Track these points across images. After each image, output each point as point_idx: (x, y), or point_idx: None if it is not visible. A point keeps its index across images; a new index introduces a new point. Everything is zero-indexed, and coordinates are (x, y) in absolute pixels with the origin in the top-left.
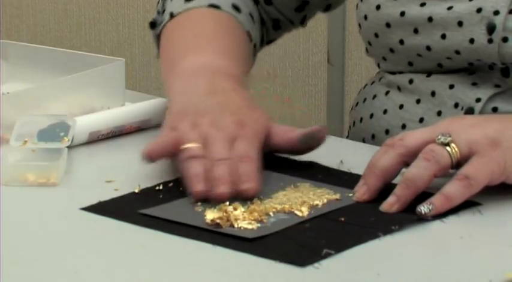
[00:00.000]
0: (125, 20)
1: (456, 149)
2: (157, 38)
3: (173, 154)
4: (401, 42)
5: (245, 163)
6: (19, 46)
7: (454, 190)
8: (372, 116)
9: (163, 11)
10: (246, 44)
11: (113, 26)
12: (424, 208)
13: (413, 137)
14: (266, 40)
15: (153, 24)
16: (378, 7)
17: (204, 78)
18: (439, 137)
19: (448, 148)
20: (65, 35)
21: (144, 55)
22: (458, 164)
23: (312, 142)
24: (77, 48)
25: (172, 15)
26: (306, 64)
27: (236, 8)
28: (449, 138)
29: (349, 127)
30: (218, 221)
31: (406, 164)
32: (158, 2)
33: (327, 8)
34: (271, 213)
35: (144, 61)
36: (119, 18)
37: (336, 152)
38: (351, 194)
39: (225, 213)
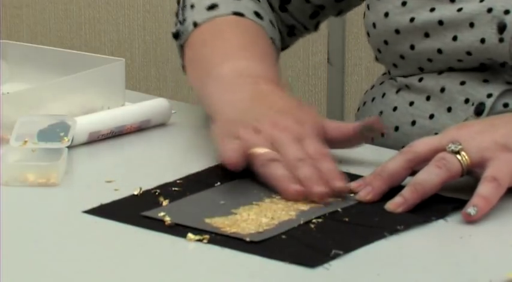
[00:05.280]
0: (125, 20)
1: (466, 157)
2: (181, 48)
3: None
4: (412, 47)
5: (325, 161)
6: (19, 46)
7: (489, 192)
8: (381, 113)
9: (184, 19)
10: (274, 49)
11: (113, 26)
12: (471, 210)
13: (422, 143)
14: (281, 47)
15: (175, 35)
16: (386, 15)
17: (246, 84)
18: (450, 145)
19: (458, 156)
20: (65, 35)
21: (144, 55)
22: (468, 171)
23: (370, 133)
24: (77, 48)
25: (196, 24)
26: (306, 64)
27: (258, 15)
28: (459, 147)
29: None
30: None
31: (413, 172)
32: (177, 12)
33: (339, 13)
34: (273, 217)
35: (144, 61)
36: (119, 18)
37: (335, 152)
38: (352, 194)
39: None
